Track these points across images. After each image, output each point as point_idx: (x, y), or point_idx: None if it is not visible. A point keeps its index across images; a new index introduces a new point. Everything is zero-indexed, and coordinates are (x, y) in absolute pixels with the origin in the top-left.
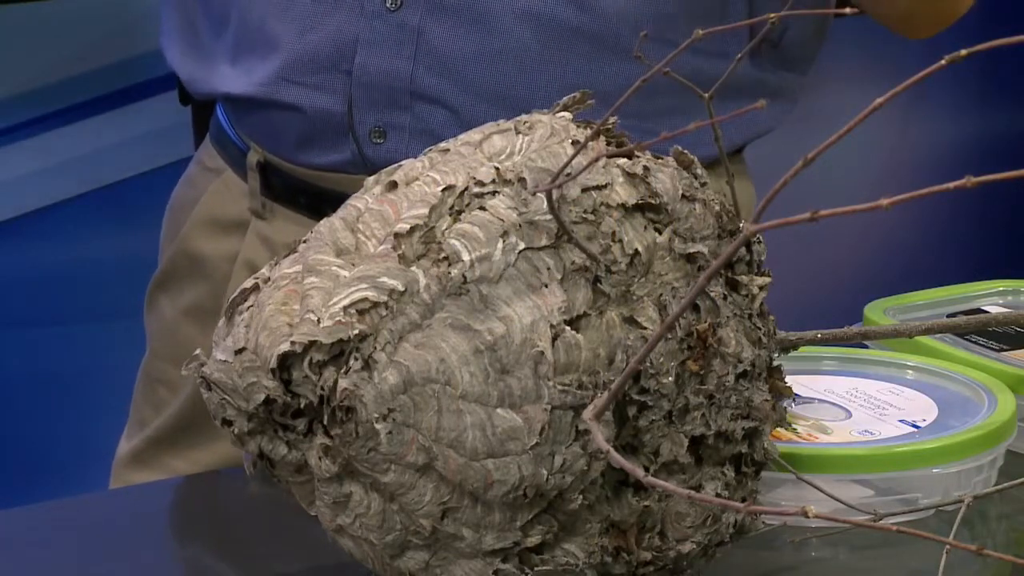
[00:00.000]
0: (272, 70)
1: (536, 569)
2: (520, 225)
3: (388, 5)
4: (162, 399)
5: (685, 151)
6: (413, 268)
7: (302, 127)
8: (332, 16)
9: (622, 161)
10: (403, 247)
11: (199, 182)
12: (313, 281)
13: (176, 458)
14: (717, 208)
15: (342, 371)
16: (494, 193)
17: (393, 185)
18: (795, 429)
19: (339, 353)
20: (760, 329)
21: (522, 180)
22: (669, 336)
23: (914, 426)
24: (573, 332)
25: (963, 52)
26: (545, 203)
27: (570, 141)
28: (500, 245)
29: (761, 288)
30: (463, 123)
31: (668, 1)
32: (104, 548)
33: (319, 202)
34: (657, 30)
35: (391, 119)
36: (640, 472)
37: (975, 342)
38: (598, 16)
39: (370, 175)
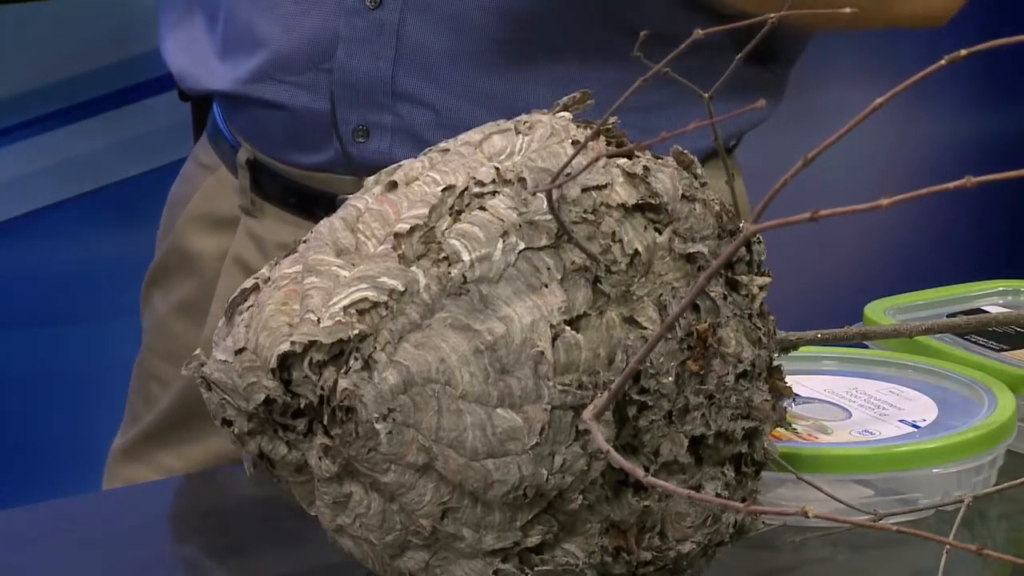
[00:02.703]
0: (256, 67)
1: (536, 569)
2: (520, 225)
3: (368, 3)
4: (154, 394)
5: (685, 151)
6: (413, 268)
7: (286, 125)
8: (313, 14)
9: (622, 161)
10: (403, 247)
11: (194, 178)
12: (313, 281)
13: (168, 454)
14: (717, 208)
15: (342, 371)
16: (494, 193)
17: (393, 185)
18: (795, 429)
19: (339, 353)
20: (760, 329)
21: (522, 180)
22: (669, 336)
23: (914, 426)
24: (573, 332)
25: (963, 52)
26: (545, 203)
27: (570, 141)
28: (500, 245)
29: (761, 288)
30: (445, 123)
31: None
32: (102, 548)
33: (308, 202)
34: (643, 27)
35: (373, 118)
36: (640, 472)
37: (975, 342)
38: (579, 13)
39: (355, 175)
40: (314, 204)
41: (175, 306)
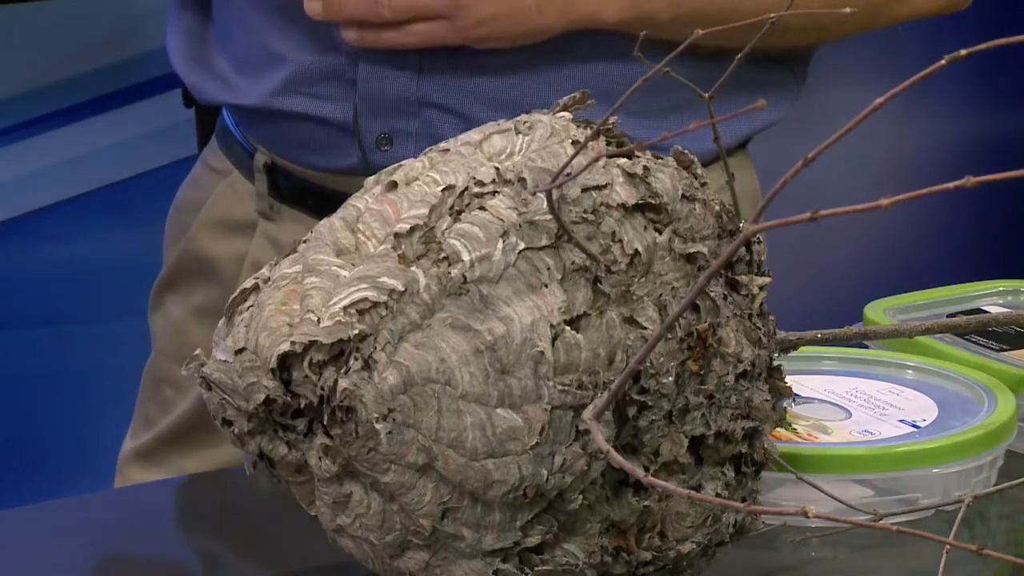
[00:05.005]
0: (278, 82)
1: (536, 569)
2: (520, 225)
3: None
4: (169, 399)
5: (685, 151)
6: (413, 268)
7: (309, 135)
8: (335, 27)
9: (622, 161)
10: (403, 247)
11: (205, 183)
12: (313, 281)
13: (186, 457)
14: (717, 208)
15: (342, 371)
16: (494, 193)
17: (393, 185)
18: (795, 429)
19: (339, 353)
20: (760, 329)
21: (522, 180)
22: (669, 336)
23: (914, 426)
24: (573, 332)
25: (963, 52)
26: (545, 203)
27: (570, 141)
28: (500, 245)
29: (761, 288)
30: (470, 128)
31: None
32: (108, 548)
33: (327, 203)
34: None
35: (398, 126)
36: (640, 472)
37: (975, 342)
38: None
39: None
40: (334, 205)
41: (193, 311)
